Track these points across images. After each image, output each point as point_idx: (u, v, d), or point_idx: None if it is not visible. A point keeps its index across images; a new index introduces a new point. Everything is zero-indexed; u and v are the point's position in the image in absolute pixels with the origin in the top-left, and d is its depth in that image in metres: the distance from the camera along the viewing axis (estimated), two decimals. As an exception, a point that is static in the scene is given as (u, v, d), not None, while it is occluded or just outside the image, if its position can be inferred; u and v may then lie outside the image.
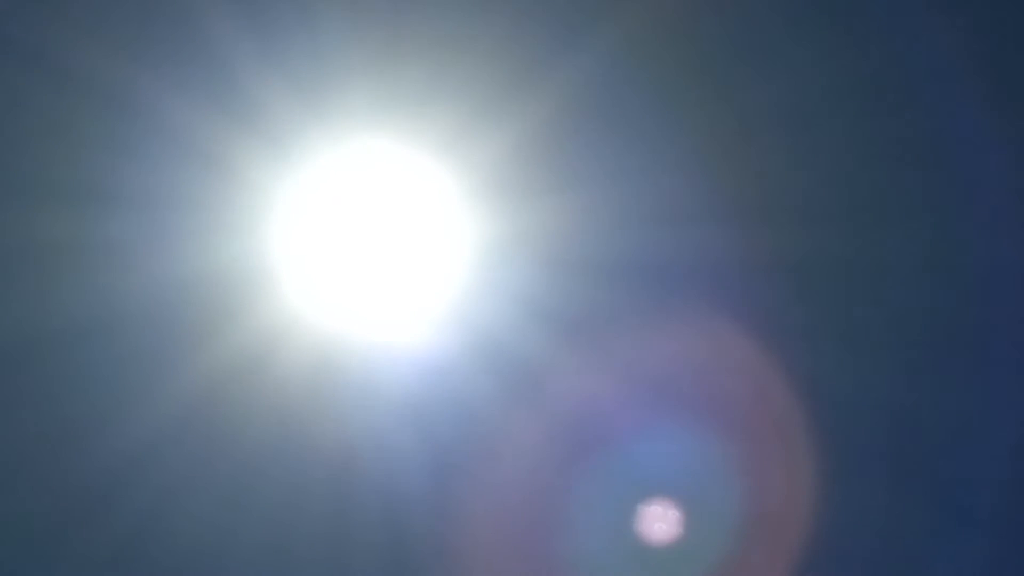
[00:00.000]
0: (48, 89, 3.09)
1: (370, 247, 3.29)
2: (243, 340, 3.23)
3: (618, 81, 3.27)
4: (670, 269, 3.35)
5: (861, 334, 3.46)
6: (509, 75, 3.18)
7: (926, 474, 3.53)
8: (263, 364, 3.24)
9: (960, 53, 3.37)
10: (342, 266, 3.29)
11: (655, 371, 3.40)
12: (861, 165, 3.40)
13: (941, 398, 3.53)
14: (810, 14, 3.33)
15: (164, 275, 3.19)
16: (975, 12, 3.36)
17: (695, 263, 3.35)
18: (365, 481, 3.36)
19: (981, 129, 3.42)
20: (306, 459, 3.32)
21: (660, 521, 3.46)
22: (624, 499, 3.45)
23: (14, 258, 3.17)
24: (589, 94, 3.24)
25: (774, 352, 3.40)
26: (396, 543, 3.41)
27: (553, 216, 3.28)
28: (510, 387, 3.34)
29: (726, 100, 3.34)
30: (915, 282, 3.44)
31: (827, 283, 3.43)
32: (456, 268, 3.30)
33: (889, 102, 3.40)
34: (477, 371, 3.32)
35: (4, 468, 3.22)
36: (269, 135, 3.15)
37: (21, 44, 3.06)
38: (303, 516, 3.34)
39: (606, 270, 3.31)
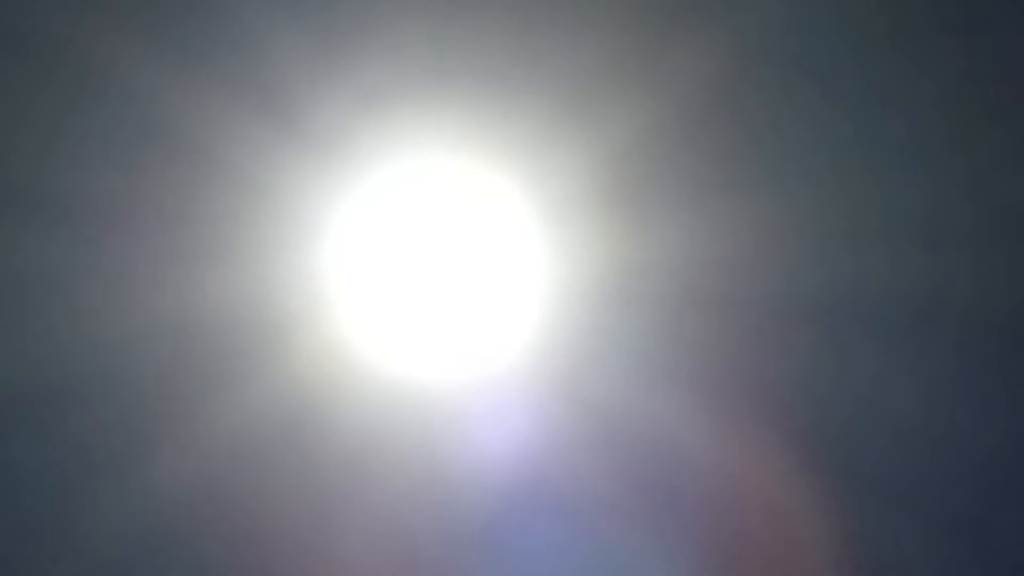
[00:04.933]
0: (97, 106, 2.90)
1: (438, 272, 2.99)
2: (300, 372, 2.92)
3: (714, 93, 2.92)
4: (771, 301, 2.94)
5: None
6: (589, 88, 2.88)
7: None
8: (321, 395, 2.94)
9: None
10: (406, 293, 2.99)
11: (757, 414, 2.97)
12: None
13: None
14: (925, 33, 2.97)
15: (212, 299, 2.90)
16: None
17: (798, 295, 2.95)
18: (429, 519, 3.00)
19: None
20: (370, 497, 2.97)
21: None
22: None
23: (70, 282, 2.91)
24: (680, 108, 2.90)
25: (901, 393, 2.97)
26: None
27: (635, 243, 2.93)
28: (588, 427, 2.96)
29: (845, 115, 2.96)
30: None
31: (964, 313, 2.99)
32: (529, 296, 2.96)
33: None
34: (548, 405, 2.97)
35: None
36: (328, 151, 2.89)
37: (75, 66, 2.88)
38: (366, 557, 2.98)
39: (698, 305, 2.94)
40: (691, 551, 2.98)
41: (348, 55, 2.84)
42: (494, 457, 2.94)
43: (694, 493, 2.96)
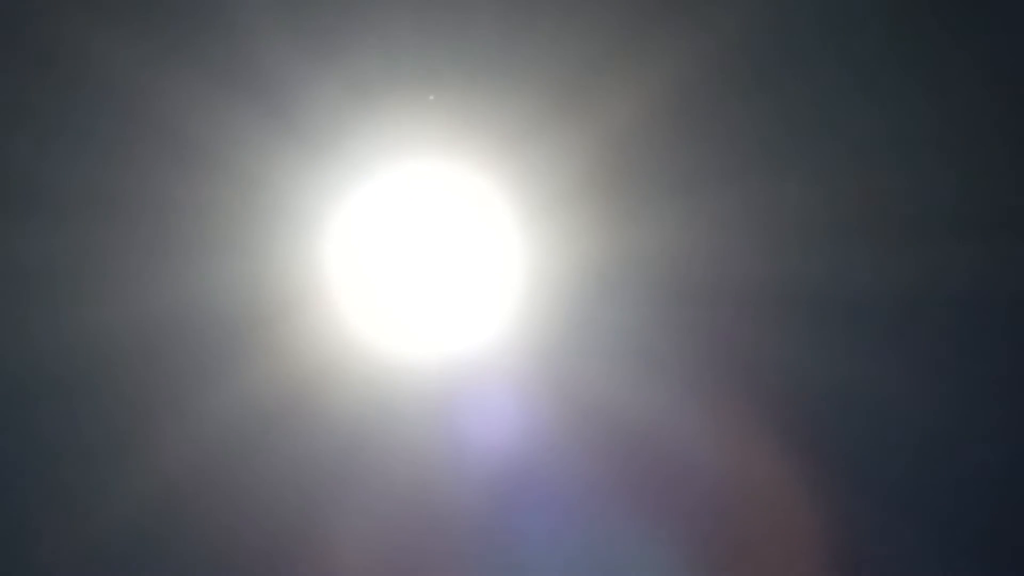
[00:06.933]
0: (94, 101, 2.88)
1: (429, 263, 3.00)
2: (291, 362, 2.95)
3: (700, 86, 2.91)
4: (757, 292, 2.96)
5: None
6: (577, 80, 2.86)
7: None
8: (314, 384, 2.96)
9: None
10: (397, 283, 3.00)
11: (744, 404, 3.00)
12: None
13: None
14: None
15: (206, 290, 2.93)
16: None
17: (784, 286, 2.95)
18: (422, 503, 3.04)
19: None
20: (363, 482, 3.01)
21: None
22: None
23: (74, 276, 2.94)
24: (667, 101, 2.90)
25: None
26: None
27: (624, 234, 2.95)
28: (578, 413, 2.99)
29: (833, 107, 2.95)
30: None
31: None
32: (519, 285, 2.98)
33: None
34: (539, 396, 3.00)
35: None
36: (319, 143, 2.89)
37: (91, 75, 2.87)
38: (352, 547, 3.05)
39: (686, 296, 2.96)
40: (673, 536, 3.01)
41: (338, 48, 2.85)
42: (485, 444, 3.00)
43: (681, 481, 2.99)
